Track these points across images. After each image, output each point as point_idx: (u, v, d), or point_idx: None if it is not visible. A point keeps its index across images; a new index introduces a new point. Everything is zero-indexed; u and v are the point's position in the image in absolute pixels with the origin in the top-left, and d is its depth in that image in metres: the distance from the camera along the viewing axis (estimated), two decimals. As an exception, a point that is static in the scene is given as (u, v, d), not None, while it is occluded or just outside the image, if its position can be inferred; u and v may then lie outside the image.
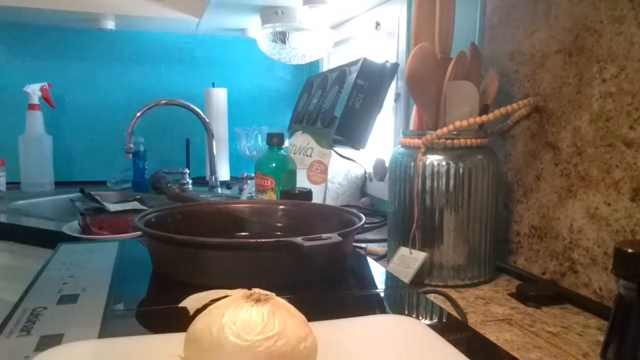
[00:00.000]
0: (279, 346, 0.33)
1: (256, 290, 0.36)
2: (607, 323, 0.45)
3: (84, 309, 0.55)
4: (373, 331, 0.47)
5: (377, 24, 1.35)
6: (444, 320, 0.58)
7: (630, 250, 0.41)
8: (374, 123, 1.14)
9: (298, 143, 1.20)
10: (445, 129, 0.73)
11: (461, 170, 0.73)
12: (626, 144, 0.63)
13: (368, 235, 1.06)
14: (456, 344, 0.44)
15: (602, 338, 0.48)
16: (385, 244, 0.93)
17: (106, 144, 1.86)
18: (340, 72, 1.22)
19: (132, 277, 0.71)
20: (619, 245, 0.42)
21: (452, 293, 0.71)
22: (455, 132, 0.74)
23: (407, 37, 1.21)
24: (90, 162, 1.89)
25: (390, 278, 0.72)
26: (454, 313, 0.63)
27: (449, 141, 0.74)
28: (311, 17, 1.42)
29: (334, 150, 1.18)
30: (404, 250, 0.77)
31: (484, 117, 0.74)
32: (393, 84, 1.18)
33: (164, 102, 1.63)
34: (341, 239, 0.61)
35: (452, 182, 0.74)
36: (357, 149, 1.15)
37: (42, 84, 1.69)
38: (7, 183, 1.70)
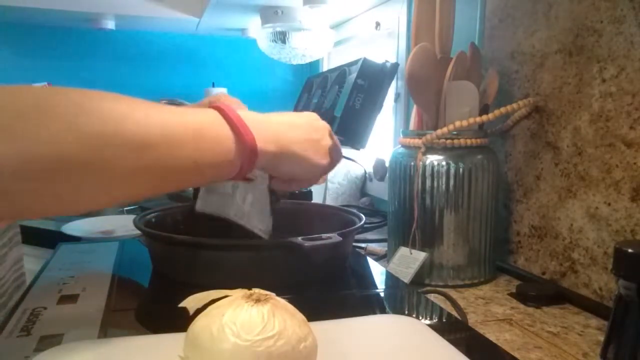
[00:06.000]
0: (279, 346, 0.33)
1: (256, 290, 0.36)
2: (607, 323, 0.45)
3: (84, 309, 0.55)
4: (373, 331, 0.47)
5: (377, 24, 1.35)
6: (444, 320, 0.58)
7: (630, 250, 0.41)
8: (374, 123, 1.14)
9: (298, 143, 1.20)
10: (445, 129, 0.73)
11: (461, 170, 0.73)
12: (626, 144, 0.63)
13: (368, 235, 1.06)
14: (456, 344, 0.44)
15: (602, 338, 0.48)
16: (385, 244, 0.93)
17: (106, 144, 1.86)
18: (340, 72, 1.22)
19: (132, 277, 0.72)
20: (619, 245, 0.42)
21: (452, 293, 0.71)
22: (455, 132, 0.74)
23: (407, 37, 1.21)
24: (90, 162, 1.88)
25: (390, 278, 0.72)
26: (454, 313, 0.63)
27: (449, 141, 0.74)
28: (311, 17, 1.42)
29: (334, 150, 1.18)
30: (404, 250, 0.77)
31: (484, 117, 0.74)
32: (393, 84, 1.18)
33: (164, 102, 1.63)
34: (341, 239, 0.61)
35: (452, 182, 0.74)
36: (357, 149, 1.15)
37: (42, 84, 1.69)
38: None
